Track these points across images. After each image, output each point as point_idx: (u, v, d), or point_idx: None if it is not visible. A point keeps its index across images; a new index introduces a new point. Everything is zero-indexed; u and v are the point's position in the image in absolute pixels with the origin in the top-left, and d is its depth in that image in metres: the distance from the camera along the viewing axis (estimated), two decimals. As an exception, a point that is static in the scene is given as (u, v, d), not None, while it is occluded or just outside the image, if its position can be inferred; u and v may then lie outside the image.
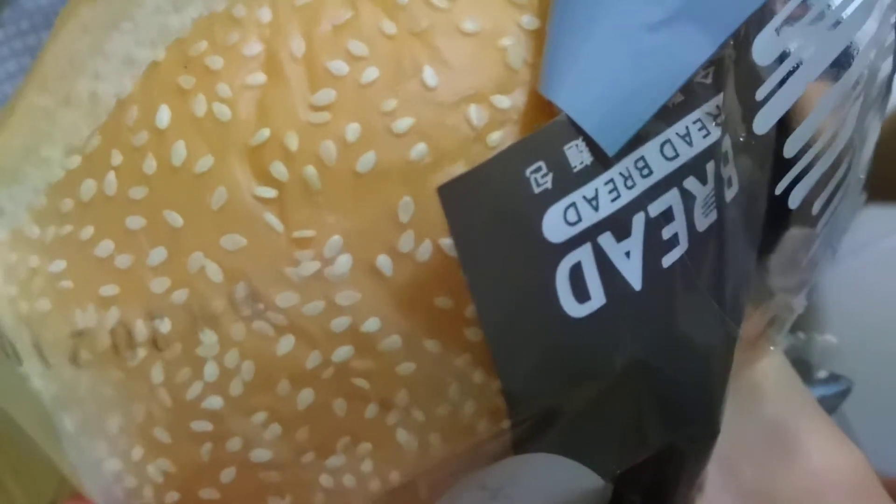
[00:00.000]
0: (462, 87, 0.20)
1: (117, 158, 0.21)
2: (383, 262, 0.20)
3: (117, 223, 0.21)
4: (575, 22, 0.19)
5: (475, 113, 0.20)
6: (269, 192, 0.20)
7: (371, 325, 0.20)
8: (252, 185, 0.20)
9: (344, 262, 0.20)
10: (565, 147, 0.19)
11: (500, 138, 0.20)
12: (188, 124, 0.20)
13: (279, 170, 0.20)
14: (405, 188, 0.20)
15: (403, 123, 0.20)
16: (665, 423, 0.21)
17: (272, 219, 0.20)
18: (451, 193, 0.18)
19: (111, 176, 0.21)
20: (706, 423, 0.21)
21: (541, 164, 0.18)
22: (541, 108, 0.20)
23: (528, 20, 0.21)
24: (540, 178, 0.18)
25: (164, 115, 0.21)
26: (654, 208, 0.19)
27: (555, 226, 0.18)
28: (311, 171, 0.20)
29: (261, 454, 0.21)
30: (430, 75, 0.20)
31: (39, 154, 0.22)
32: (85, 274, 0.21)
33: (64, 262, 0.21)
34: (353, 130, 0.20)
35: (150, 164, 0.20)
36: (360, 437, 0.21)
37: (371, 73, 0.20)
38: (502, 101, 0.20)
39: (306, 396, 0.20)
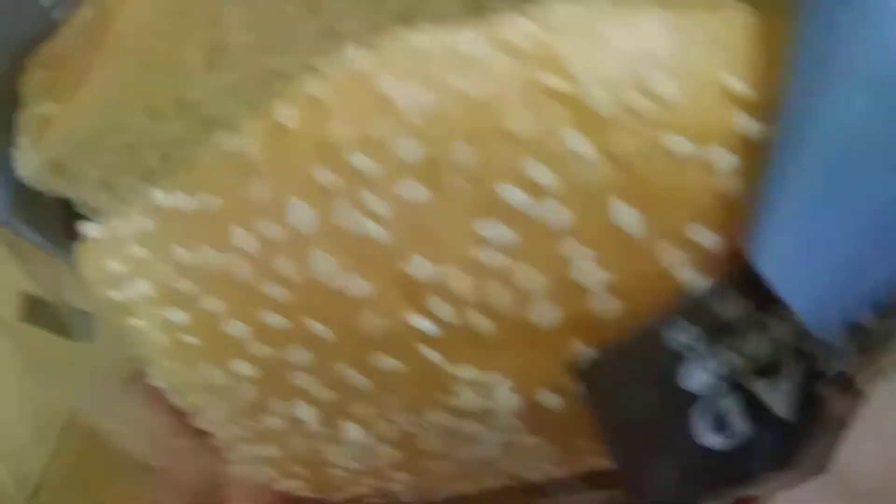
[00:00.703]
0: (660, 224, 0.17)
1: (244, 241, 0.18)
2: (545, 396, 0.18)
3: (252, 311, 0.19)
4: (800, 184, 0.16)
5: (671, 254, 0.17)
6: (426, 326, 0.18)
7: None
8: (406, 314, 0.18)
9: (505, 396, 0.18)
10: (719, 304, 0.17)
11: (692, 278, 0.17)
12: (329, 233, 0.17)
13: (439, 307, 0.17)
14: (583, 339, 0.18)
15: (593, 277, 0.17)
16: None
17: (428, 351, 0.18)
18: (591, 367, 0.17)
19: (241, 261, 0.18)
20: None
21: (689, 322, 0.17)
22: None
23: (746, 122, 0.17)
24: (685, 336, 0.17)
25: (299, 214, 0.17)
26: (809, 346, 0.18)
27: (695, 376, 0.17)
28: (476, 316, 0.17)
29: None
30: (623, 213, 0.17)
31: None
32: (214, 343, 0.19)
33: (187, 318, 0.20)
34: (530, 279, 0.17)
35: (287, 266, 0.18)
36: None
37: (554, 210, 0.17)
38: (702, 236, 0.17)
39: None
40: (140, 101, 0.20)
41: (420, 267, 0.17)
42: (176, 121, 0.19)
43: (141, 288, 0.20)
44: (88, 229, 0.21)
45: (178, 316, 0.20)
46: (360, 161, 0.17)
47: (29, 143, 0.21)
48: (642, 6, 0.17)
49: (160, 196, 0.19)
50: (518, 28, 0.17)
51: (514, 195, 0.17)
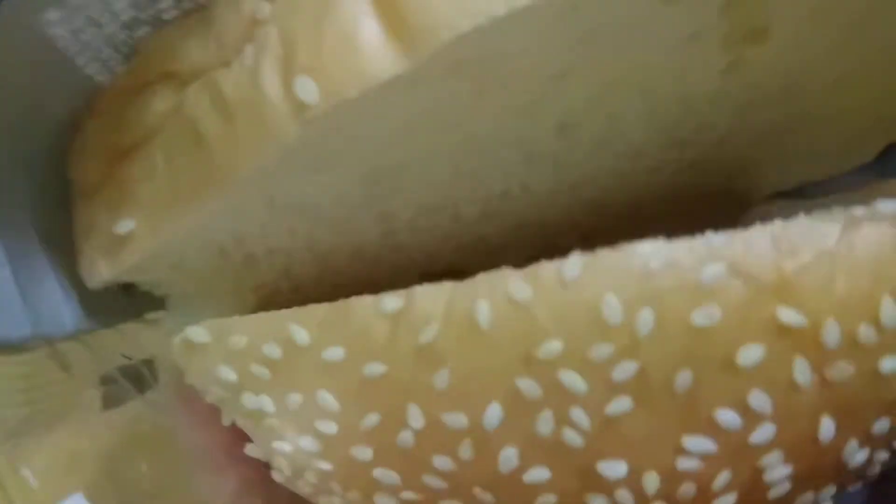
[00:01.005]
0: (850, 427, 0.17)
1: (417, 419, 0.17)
2: None
3: (410, 471, 0.18)
4: None
5: (852, 447, 0.18)
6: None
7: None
8: (584, 497, 0.18)
9: None
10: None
11: (861, 457, 0.18)
12: (520, 433, 0.17)
13: (621, 496, 0.17)
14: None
15: (779, 473, 0.17)
16: None
17: None
18: None
19: (408, 433, 0.17)
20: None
21: None
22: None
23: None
24: None
25: (492, 415, 0.17)
26: None
27: None
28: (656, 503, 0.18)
29: None
30: (824, 425, 0.17)
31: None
32: (351, 476, 0.19)
33: (322, 449, 0.19)
34: (722, 481, 0.17)
35: (464, 450, 0.17)
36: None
37: (765, 434, 0.16)
38: (882, 427, 0.18)
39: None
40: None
41: (612, 469, 0.17)
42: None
43: (260, 402, 0.19)
44: (193, 333, 0.19)
45: (310, 444, 0.19)
46: (571, 379, 0.16)
47: (103, 258, 0.19)
48: (869, 222, 0.16)
49: (300, 334, 0.18)
50: (752, 250, 0.16)
51: (728, 418, 0.16)
